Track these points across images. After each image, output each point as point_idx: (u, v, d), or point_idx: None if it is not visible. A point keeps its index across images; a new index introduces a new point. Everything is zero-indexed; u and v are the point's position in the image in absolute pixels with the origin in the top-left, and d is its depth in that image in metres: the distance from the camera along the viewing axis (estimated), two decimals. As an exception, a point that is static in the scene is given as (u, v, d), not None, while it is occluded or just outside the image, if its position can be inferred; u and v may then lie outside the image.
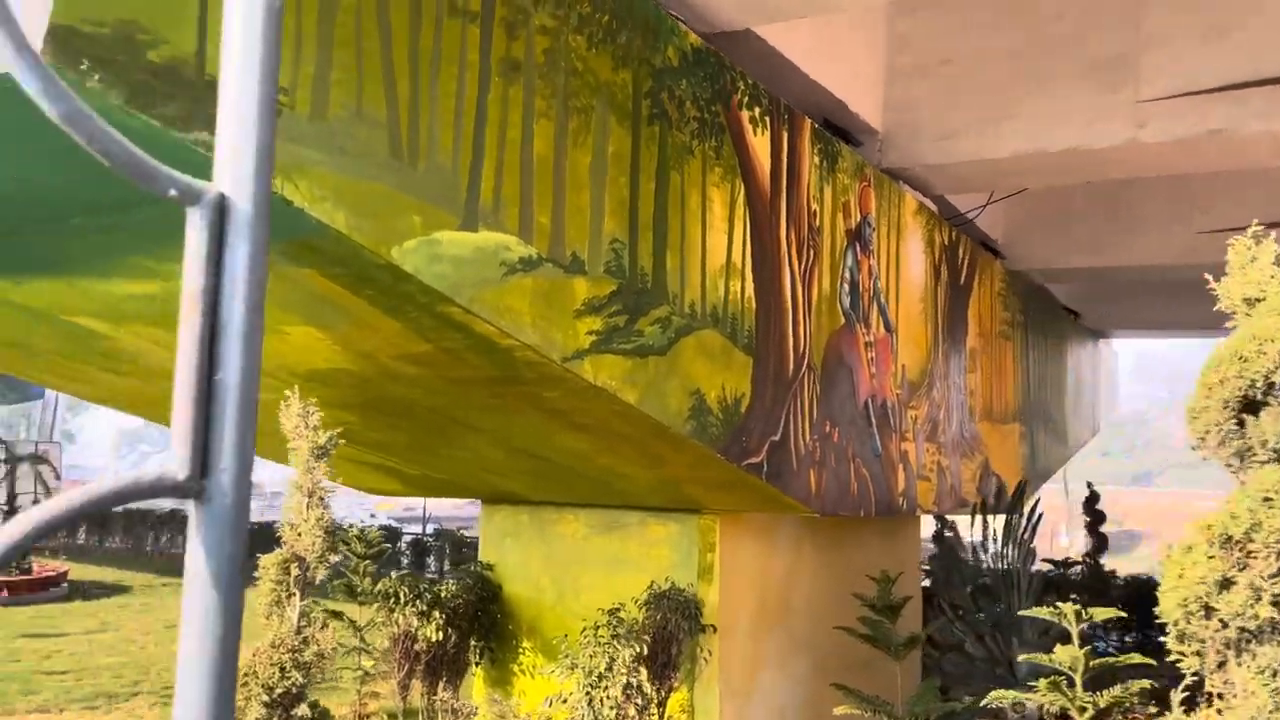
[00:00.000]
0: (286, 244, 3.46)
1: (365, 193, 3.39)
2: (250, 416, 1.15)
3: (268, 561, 2.80)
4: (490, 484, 7.21)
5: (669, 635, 6.34)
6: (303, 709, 2.79)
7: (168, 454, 1.10)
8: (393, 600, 7.10)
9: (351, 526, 9.33)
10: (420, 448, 6.53)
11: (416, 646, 7.10)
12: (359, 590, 8.43)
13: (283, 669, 3.46)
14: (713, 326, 5.24)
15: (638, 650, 5.91)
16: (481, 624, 7.58)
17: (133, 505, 25.22)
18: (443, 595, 7.25)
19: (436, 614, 7.05)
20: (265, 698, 3.43)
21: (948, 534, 8.21)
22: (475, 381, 4.73)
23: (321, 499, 2.78)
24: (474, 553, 9.27)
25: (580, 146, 4.39)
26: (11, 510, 25.00)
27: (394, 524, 27.14)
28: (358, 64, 3.39)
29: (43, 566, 17.31)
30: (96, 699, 9.27)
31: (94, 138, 0.96)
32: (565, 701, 6.00)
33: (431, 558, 20.13)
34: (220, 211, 1.12)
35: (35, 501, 26.47)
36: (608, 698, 5.88)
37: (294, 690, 3.35)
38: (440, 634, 7.05)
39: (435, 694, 7.11)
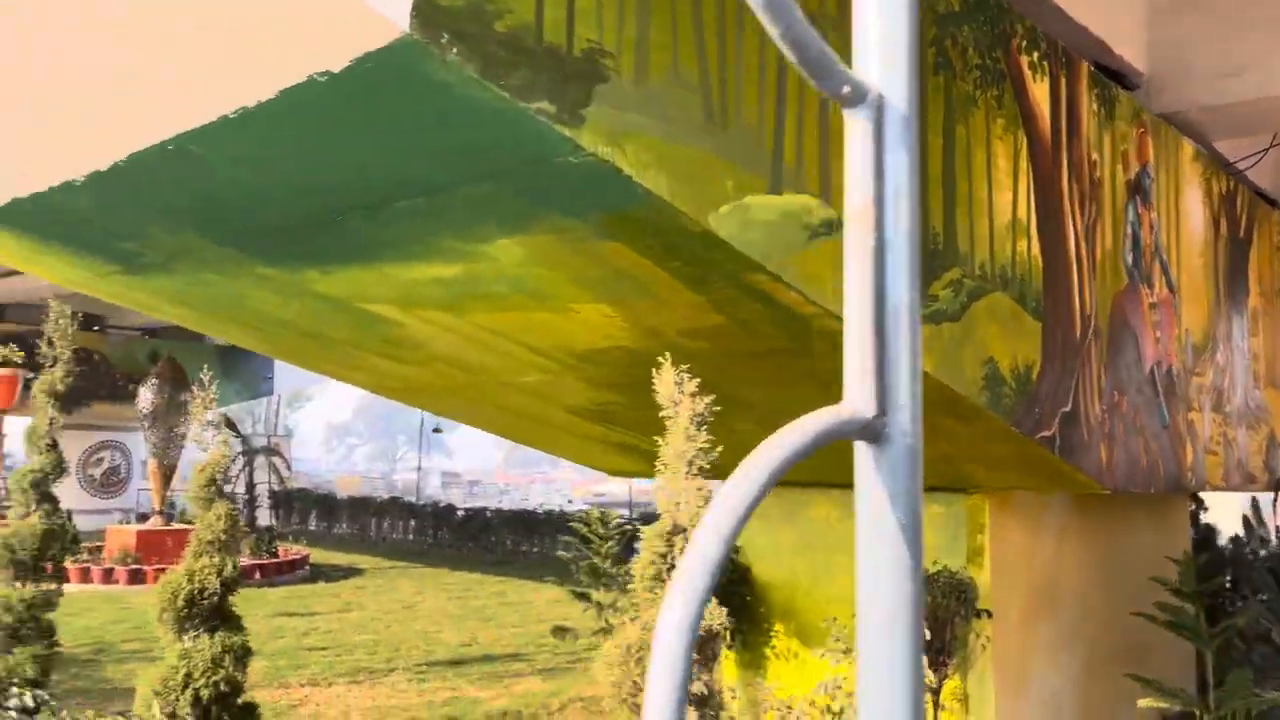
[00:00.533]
0: (601, 216, 3.40)
1: (684, 158, 3.27)
2: (919, 347, 0.98)
3: (649, 533, 2.74)
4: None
5: (943, 620, 6.03)
6: (699, 685, 2.71)
7: (851, 391, 0.96)
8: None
9: (590, 509, 9.45)
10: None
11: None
12: (602, 572, 8.54)
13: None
14: (1002, 289, 4.88)
15: (916, 635, 5.61)
16: (732, 607, 7.47)
17: (356, 494, 26.65)
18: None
19: (689, 596, 6.98)
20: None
21: (1247, 515, 7.45)
22: (759, 355, 4.58)
23: (701, 468, 2.69)
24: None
25: (871, 101, 4.14)
26: (252, 499, 27.17)
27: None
28: (672, 24, 3.27)
29: (286, 550, 18.64)
30: (358, 673, 9.81)
31: (790, 28, 0.84)
32: (840, 687, 5.79)
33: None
34: (879, 115, 0.96)
35: (271, 490, 28.68)
36: (885, 684, 5.62)
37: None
38: (694, 616, 6.98)
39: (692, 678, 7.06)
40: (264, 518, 27.22)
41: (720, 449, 2.98)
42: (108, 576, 15.77)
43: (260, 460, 28.63)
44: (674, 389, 2.73)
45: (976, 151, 4.77)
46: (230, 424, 24.23)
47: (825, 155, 3.92)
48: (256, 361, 29.39)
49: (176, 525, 17.69)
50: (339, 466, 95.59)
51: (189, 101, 3.24)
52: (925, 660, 5.76)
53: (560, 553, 15.38)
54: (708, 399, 2.89)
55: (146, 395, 18.06)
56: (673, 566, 2.59)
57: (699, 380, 4.54)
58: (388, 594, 15.94)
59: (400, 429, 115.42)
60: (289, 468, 29.30)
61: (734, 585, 7.47)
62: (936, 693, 6.12)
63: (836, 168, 4.02)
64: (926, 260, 4.41)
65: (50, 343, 6.61)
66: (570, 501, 44.96)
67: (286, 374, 34.54)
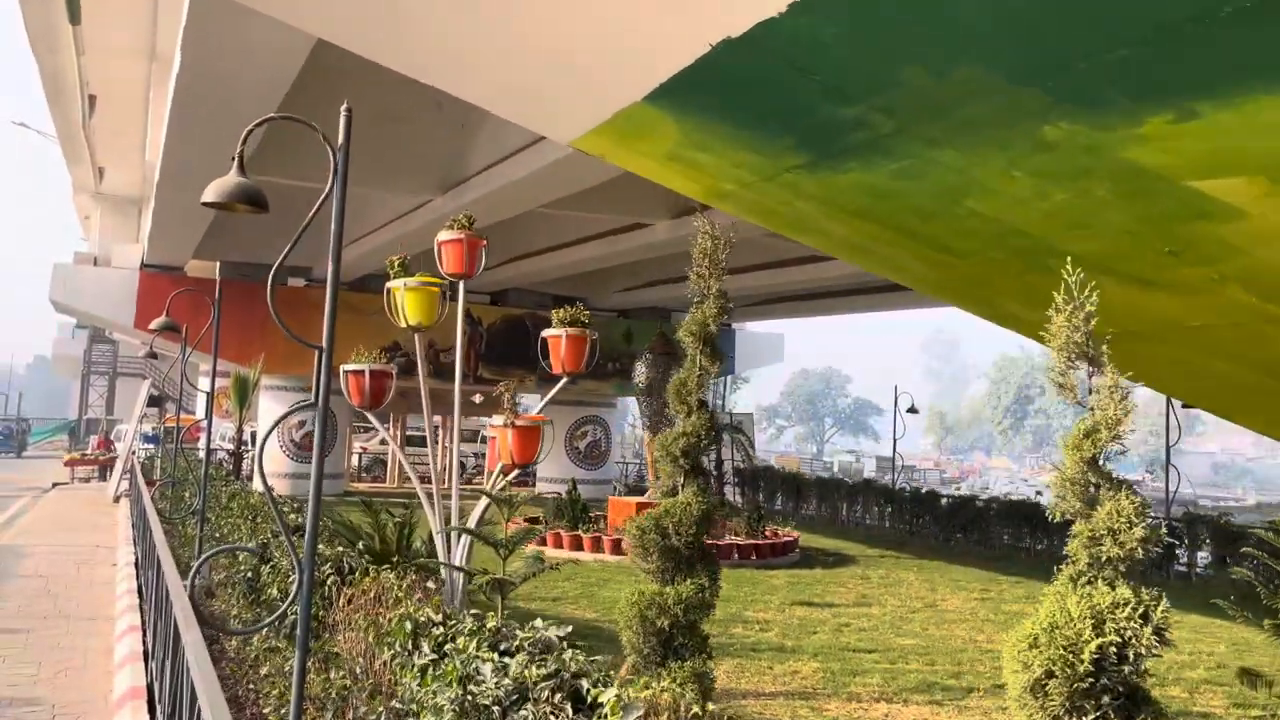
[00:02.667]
0: None
1: None
2: None
3: None
4: None
5: None
6: None
7: None
8: None
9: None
10: None
11: None
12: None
13: None
14: None
15: None
16: None
17: (825, 475, 25.36)
18: None
19: None
20: None
21: None
22: None
23: None
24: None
25: None
26: (720, 475, 27.27)
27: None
28: None
29: (775, 531, 17.83)
30: (929, 689, 8.24)
31: None
32: None
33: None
34: None
35: (736, 467, 28.66)
36: None
37: None
38: None
39: None
40: (731, 495, 27.22)
41: None
42: (616, 547, 15.94)
43: (725, 438, 28.64)
44: None
45: None
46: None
47: None
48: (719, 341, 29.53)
49: (670, 499, 17.71)
50: (769, 447, 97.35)
51: None
52: None
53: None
54: None
55: (641, 370, 18.27)
56: None
57: None
58: (897, 587, 14.36)
59: (826, 411, 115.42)
60: (752, 445, 29.05)
61: None
62: None
63: None
64: None
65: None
66: (1039, 493, 40.68)
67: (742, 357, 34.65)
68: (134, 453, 23.79)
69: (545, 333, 7.45)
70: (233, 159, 4.34)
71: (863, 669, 8.88)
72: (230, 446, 23.23)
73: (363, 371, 7.50)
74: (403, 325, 7.09)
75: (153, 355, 17.69)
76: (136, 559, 12.25)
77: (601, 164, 14.49)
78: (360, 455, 33.60)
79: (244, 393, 21.21)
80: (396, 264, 7.16)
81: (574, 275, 26.47)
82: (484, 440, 39.82)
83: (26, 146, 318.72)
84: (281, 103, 12.65)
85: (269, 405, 27.02)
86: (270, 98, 11.76)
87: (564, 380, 7.57)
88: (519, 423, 6.89)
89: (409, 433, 34.17)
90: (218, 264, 26.27)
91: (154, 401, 28.41)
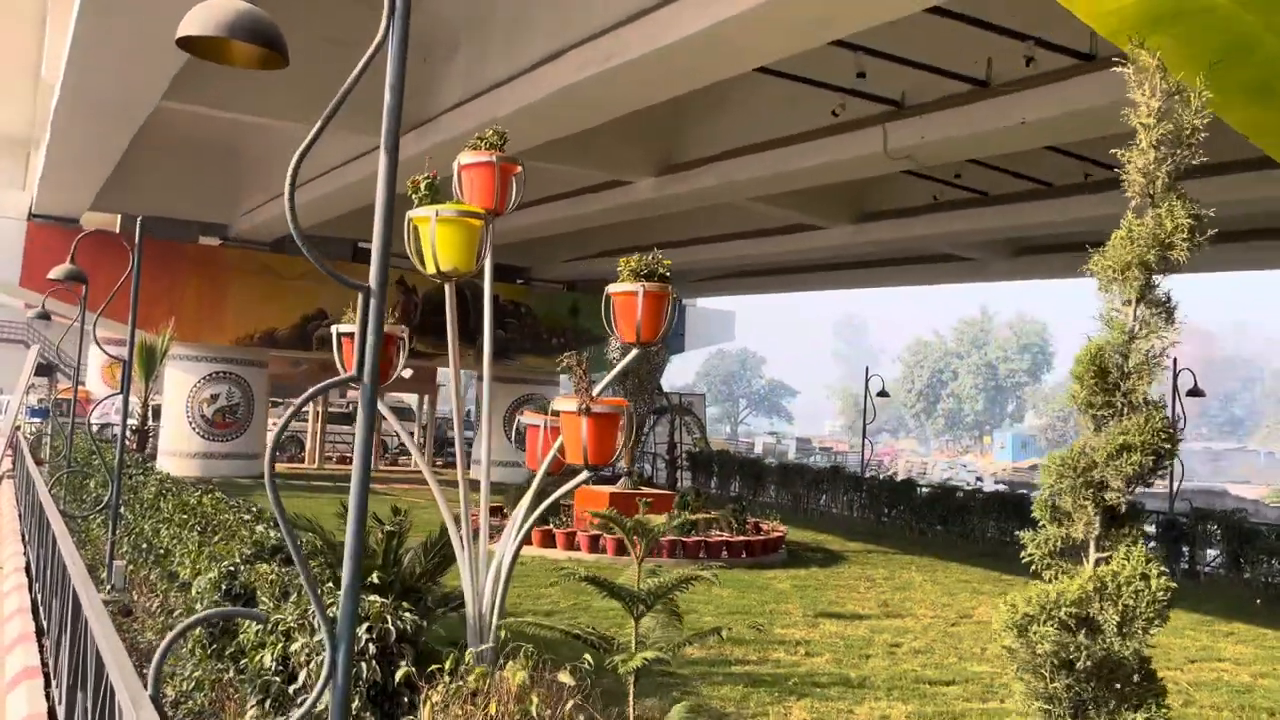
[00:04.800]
0: None
1: None
2: None
3: None
4: None
5: None
6: None
7: None
8: None
9: None
10: None
11: None
12: None
13: None
14: None
15: None
16: None
17: (758, 458, 23.57)
18: None
19: None
20: None
21: None
22: None
23: None
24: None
25: None
26: (673, 459, 25.69)
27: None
28: None
29: (755, 525, 16.27)
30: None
31: None
32: None
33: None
34: None
35: (687, 451, 27.09)
36: None
37: None
38: None
39: None
40: (681, 481, 25.64)
41: None
42: (594, 544, 14.18)
43: (674, 420, 27.04)
44: None
45: None
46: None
47: None
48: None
49: (644, 487, 16.03)
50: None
51: None
52: None
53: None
54: None
55: (616, 347, 16.46)
56: None
57: None
58: (910, 591, 12.97)
59: (741, 392, 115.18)
60: (703, 429, 27.50)
61: None
62: None
63: None
64: None
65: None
66: (980, 480, 40.38)
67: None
68: (17, 428, 20.87)
69: (612, 289, 5.58)
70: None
71: (959, 712, 7.34)
72: (134, 423, 20.54)
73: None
74: (429, 271, 5.15)
75: (45, 316, 15.09)
76: (29, 562, 9.95)
77: (596, 106, 12.51)
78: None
79: (151, 363, 18.63)
80: (422, 186, 5.20)
81: (518, 243, 24.41)
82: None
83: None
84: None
85: (178, 376, 24.26)
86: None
87: (634, 352, 5.75)
88: (597, 408, 5.03)
89: (331, 409, 31.60)
90: (119, 217, 23.34)
91: (43, 370, 25.25)
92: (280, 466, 28.43)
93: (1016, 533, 12.87)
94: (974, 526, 18.93)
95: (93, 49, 10.79)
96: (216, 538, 5.91)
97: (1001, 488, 29.24)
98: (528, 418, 5.96)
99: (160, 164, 20.83)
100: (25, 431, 20.53)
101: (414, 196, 5.21)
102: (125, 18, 10.01)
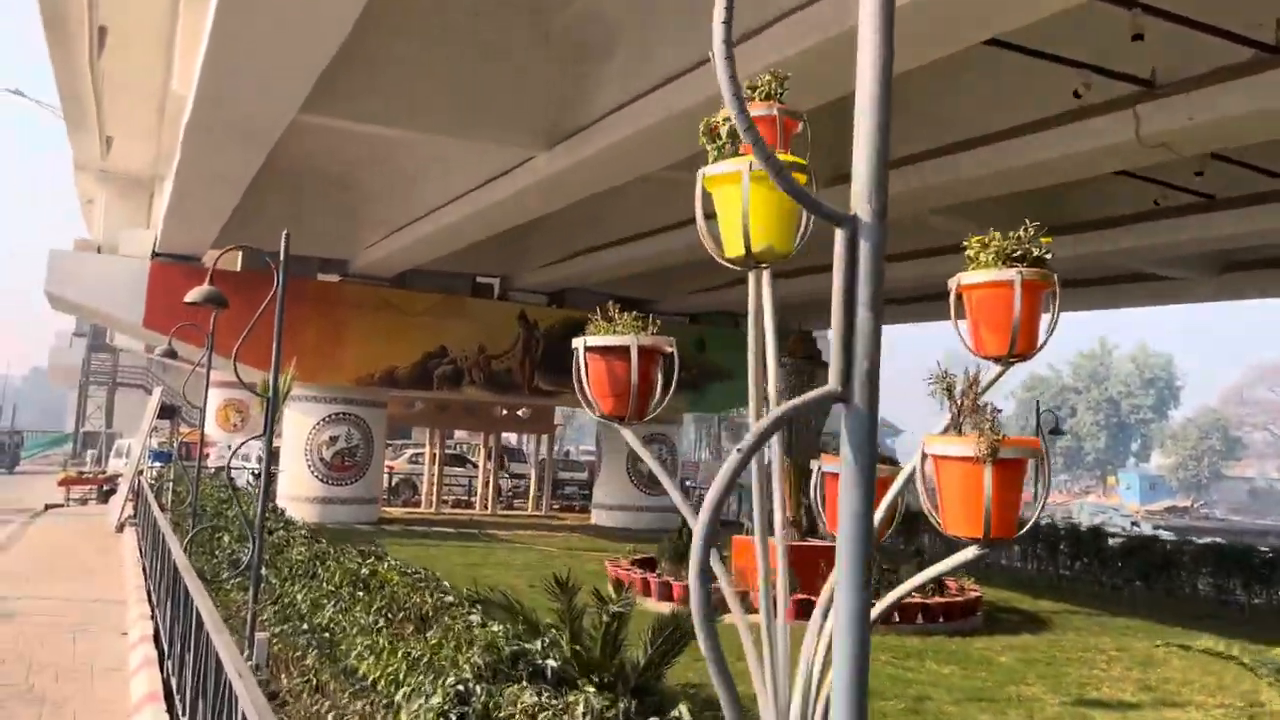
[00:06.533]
0: None
1: None
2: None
3: None
4: None
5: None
6: None
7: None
8: None
9: None
10: None
11: None
12: None
13: None
14: None
15: None
16: None
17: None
18: None
19: None
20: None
21: None
22: None
23: None
24: None
25: None
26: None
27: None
28: None
29: (953, 584, 14.20)
30: None
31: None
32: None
33: None
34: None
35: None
36: None
37: None
38: None
39: None
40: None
41: None
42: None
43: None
44: None
45: None
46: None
47: None
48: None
49: (815, 541, 14.20)
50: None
51: None
52: None
53: None
54: None
55: (780, 379, 14.77)
56: None
57: None
58: (1158, 669, 10.85)
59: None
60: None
61: None
62: None
63: None
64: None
65: None
66: (1136, 524, 37.13)
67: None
68: (140, 472, 20.18)
69: (964, 280, 3.87)
70: None
71: None
72: (256, 468, 19.66)
73: (623, 349, 4.05)
74: (733, 254, 3.57)
75: (171, 354, 14.20)
76: (156, 629, 8.72)
77: (807, 85, 10.88)
78: (389, 475, 29.71)
79: (276, 403, 17.63)
80: (724, 130, 3.61)
81: (641, 275, 22.97)
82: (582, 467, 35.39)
83: (23, 142, 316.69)
84: (351, 33, 9.33)
85: (297, 418, 23.44)
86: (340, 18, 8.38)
87: (998, 371, 4.04)
88: (1006, 452, 3.33)
89: (446, 451, 30.52)
90: (239, 255, 22.76)
91: (166, 412, 24.79)
92: (395, 511, 27.38)
93: (1237, 591, 10.28)
94: (1182, 583, 16.50)
95: (228, 54, 9.74)
96: (431, 636, 4.36)
97: (1165, 534, 26.43)
98: (829, 464, 4.31)
99: (276, 202, 20.12)
100: (148, 476, 19.82)
101: (710, 148, 3.65)
102: (262, 18, 8.93)
